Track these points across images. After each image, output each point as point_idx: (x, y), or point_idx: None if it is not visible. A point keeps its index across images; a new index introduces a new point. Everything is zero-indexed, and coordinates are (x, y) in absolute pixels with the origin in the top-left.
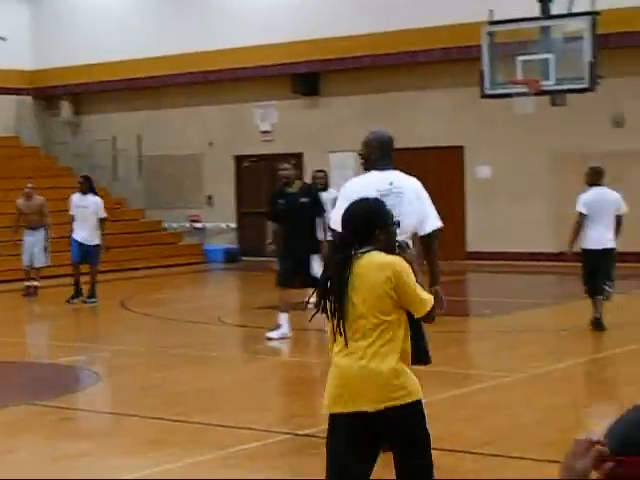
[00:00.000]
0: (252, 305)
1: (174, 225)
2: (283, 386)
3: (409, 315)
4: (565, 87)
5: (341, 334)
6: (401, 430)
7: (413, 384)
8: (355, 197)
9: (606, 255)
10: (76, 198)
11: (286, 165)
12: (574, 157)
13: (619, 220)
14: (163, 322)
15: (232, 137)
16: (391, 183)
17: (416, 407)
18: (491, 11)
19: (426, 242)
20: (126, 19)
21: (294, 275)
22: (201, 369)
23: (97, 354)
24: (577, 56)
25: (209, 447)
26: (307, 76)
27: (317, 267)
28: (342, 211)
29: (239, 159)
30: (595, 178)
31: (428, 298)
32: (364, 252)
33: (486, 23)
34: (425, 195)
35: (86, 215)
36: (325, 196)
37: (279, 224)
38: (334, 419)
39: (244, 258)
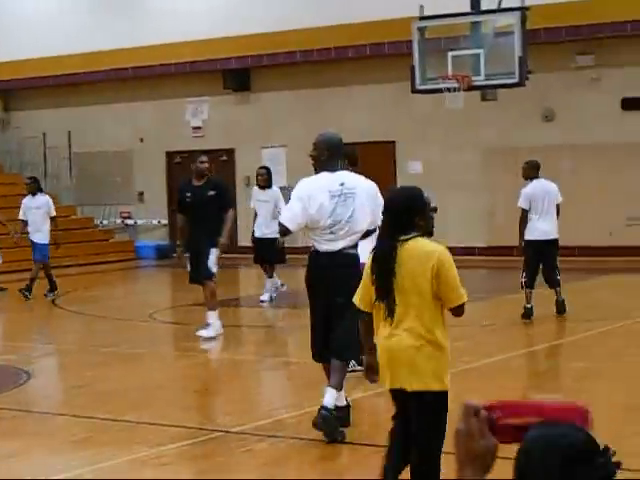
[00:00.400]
0: (183, 302)
1: (105, 222)
2: (214, 384)
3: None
4: (495, 82)
5: (386, 317)
6: (420, 412)
7: (441, 372)
8: (306, 198)
9: (552, 246)
10: (27, 201)
11: (203, 158)
12: (505, 151)
13: (558, 209)
14: (94, 320)
15: (163, 133)
16: (342, 184)
17: (437, 396)
18: (421, 6)
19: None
20: (56, 15)
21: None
22: (132, 367)
23: (28, 353)
24: (507, 51)
25: (140, 445)
26: (238, 72)
27: (213, 262)
28: (293, 210)
29: (170, 155)
30: (533, 171)
31: (464, 293)
32: (408, 238)
33: (417, 18)
34: (378, 196)
35: (38, 215)
36: (269, 194)
37: (186, 217)
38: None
39: (176, 254)
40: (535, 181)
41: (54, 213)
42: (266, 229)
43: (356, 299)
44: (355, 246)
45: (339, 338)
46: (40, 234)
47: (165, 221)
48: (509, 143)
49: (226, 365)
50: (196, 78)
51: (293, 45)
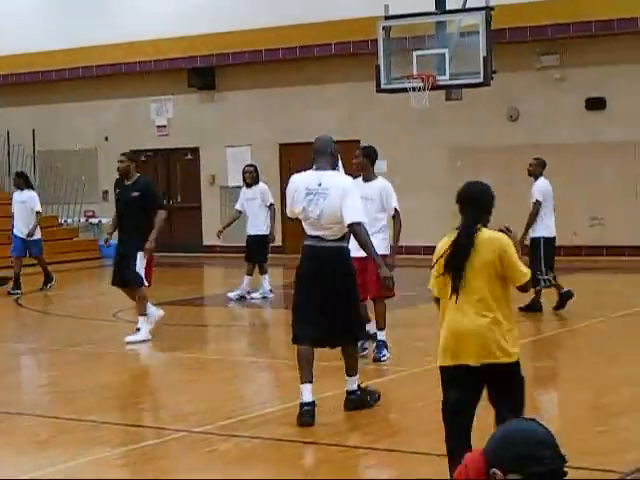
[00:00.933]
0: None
1: (69, 221)
2: (179, 383)
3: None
4: (460, 82)
5: (459, 299)
6: (497, 384)
7: (512, 345)
8: (293, 191)
9: (555, 243)
10: (15, 195)
11: (121, 157)
12: (469, 151)
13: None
14: (58, 319)
15: (128, 132)
16: (319, 184)
17: (512, 368)
18: (386, 6)
19: (352, 232)
20: (19, 14)
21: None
22: (96, 366)
23: None
24: (472, 51)
25: (104, 445)
26: (203, 70)
27: (140, 267)
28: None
29: (135, 154)
30: (542, 168)
31: (527, 271)
32: (479, 228)
33: (382, 18)
34: (352, 193)
35: (24, 210)
36: (255, 190)
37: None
38: (443, 370)
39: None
40: (543, 178)
41: (38, 208)
42: (255, 227)
43: (431, 286)
44: (341, 239)
45: (349, 321)
46: (25, 229)
47: None
48: (474, 143)
49: (191, 365)
50: (161, 76)
51: (258, 44)
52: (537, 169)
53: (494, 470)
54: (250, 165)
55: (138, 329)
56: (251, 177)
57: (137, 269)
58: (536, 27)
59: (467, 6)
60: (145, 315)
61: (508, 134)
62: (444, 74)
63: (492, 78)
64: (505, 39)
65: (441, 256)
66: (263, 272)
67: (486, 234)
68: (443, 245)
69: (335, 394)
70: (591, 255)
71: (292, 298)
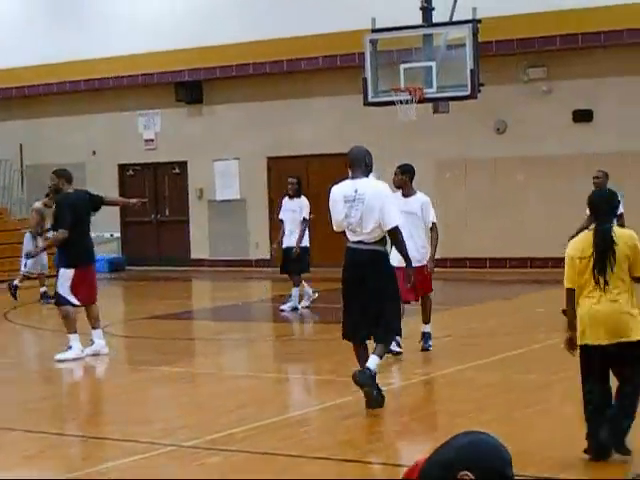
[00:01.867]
0: (137, 315)
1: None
2: (168, 398)
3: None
4: (447, 95)
5: (598, 287)
6: (626, 360)
7: (637, 327)
8: (333, 202)
9: None
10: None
11: (51, 175)
12: (457, 164)
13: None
14: (46, 334)
15: (115, 146)
16: (356, 191)
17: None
18: (373, 19)
19: (390, 236)
20: (7, 27)
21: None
22: (84, 381)
23: None
24: (459, 64)
25: (92, 461)
26: (191, 84)
27: (62, 285)
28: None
29: (123, 168)
30: (607, 180)
31: None
32: (611, 226)
33: (369, 31)
34: (388, 197)
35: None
36: (297, 203)
37: None
38: (582, 349)
39: (129, 268)
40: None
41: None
42: (292, 239)
43: (566, 280)
44: (380, 241)
45: (386, 322)
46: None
47: (118, 234)
48: (461, 155)
49: (180, 379)
50: (148, 90)
51: (246, 57)
52: (604, 181)
53: (465, 472)
54: (293, 177)
55: (70, 347)
56: (293, 189)
57: (58, 288)
58: (523, 40)
59: (454, 19)
60: (74, 333)
61: (495, 147)
62: (431, 87)
63: (479, 91)
64: (492, 52)
65: (581, 253)
66: (297, 283)
67: (618, 231)
68: (581, 243)
69: (326, 407)
70: None
71: (341, 299)
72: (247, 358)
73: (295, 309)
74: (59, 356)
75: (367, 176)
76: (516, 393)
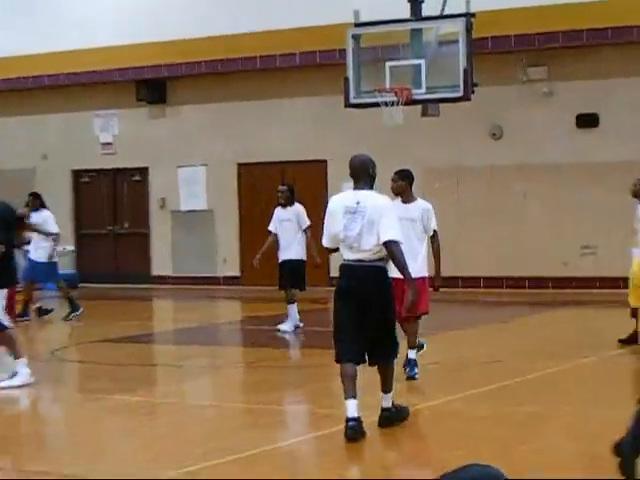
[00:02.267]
0: (89, 338)
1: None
2: (123, 430)
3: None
4: (438, 96)
5: None
6: None
7: None
8: (332, 212)
9: None
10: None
11: None
12: (448, 172)
13: None
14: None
15: (69, 150)
16: (358, 202)
17: None
18: (356, 12)
19: (387, 250)
20: None
21: None
22: (33, 411)
23: None
24: (451, 62)
25: None
26: (152, 82)
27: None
28: (325, 228)
29: (77, 174)
30: None
31: None
32: None
33: (351, 25)
34: (389, 212)
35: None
36: (291, 211)
37: None
38: None
39: (82, 285)
40: None
41: (55, 229)
42: (289, 252)
43: (631, 299)
44: (380, 259)
45: (385, 342)
46: (40, 251)
47: (71, 247)
48: (453, 163)
49: (138, 409)
50: (106, 89)
51: (214, 53)
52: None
53: None
54: (284, 184)
55: (16, 372)
56: (285, 197)
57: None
58: (522, 36)
59: (446, 12)
60: (22, 358)
61: (490, 154)
62: (420, 87)
63: (473, 92)
64: (487, 49)
65: None
66: (292, 301)
67: None
68: None
69: (299, 441)
70: (583, 287)
71: (333, 317)
72: (213, 386)
73: (297, 327)
74: (4, 383)
75: (371, 188)
76: (510, 428)
